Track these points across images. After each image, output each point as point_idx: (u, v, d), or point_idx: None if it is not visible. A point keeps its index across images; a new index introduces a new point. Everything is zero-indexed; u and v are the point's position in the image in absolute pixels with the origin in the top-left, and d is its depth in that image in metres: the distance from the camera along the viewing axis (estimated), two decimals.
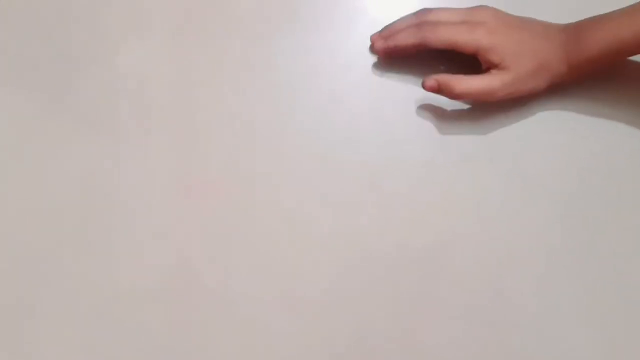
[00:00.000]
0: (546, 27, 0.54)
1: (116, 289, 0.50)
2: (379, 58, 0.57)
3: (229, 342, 0.49)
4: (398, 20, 0.56)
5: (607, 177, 0.54)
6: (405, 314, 0.49)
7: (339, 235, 0.52)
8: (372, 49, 0.56)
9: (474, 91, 0.52)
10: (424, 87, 0.53)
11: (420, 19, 0.54)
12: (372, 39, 0.56)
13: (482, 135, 0.55)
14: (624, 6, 0.51)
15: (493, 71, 0.52)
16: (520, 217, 0.52)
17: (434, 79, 0.52)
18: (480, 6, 0.54)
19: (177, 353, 0.48)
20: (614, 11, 0.51)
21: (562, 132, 0.55)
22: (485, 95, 0.52)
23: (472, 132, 0.55)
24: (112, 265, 0.51)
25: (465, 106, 0.55)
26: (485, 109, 0.55)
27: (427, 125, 0.55)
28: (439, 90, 0.53)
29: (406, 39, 0.54)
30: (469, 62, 0.54)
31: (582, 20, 0.53)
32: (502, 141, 0.55)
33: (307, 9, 0.59)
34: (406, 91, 0.56)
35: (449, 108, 0.55)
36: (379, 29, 0.57)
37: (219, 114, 0.55)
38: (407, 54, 0.55)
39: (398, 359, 0.48)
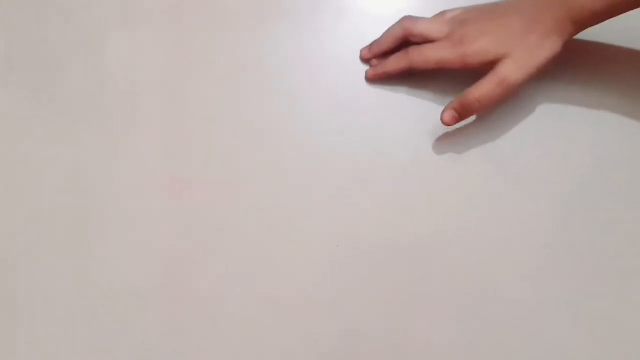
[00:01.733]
0: (533, 3, 0.51)
1: (104, 290, 0.50)
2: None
3: (219, 342, 0.48)
4: (384, 35, 0.56)
5: (602, 173, 0.53)
6: (396, 312, 0.49)
7: (329, 235, 0.51)
8: (366, 76, 0.56)
9: (489, 93, 0.51)
10: (444, 122, 0.52)
11: (406, 31, 0.54)
12: (362, 56, 0.57)
13: (474, 132, 0.54)
14: None
15: (495, 66, 0.50)
16: (513, 214, 0.52)
17: (450, 109, 0.52)
18: (463, 9, 0.54)
19: (166, 354, 0.48)
20: None
21: (555, 128, 0.54)
22: (504, 90, 0.51)
23: (464, 128, 0.54)
24: (100, 265, 0.50)
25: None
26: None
27: (419, 122, 0.55)
28: (460, 117, 0.52)
29: (395, 66, 0.55)
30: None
31: None
32: (494, 138, 0.54)
33: (297, 2, 0.58)
34: (397, 86, 0.56)
35: (439, 104, 0.54)
36: (369, 23, 0.57)
37: (208, 110, 0.55)
38: (397, 76, 0.55)
39: (388, 357, 0.48)
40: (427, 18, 0.55)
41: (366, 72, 0.56)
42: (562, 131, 0.54)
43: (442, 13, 0.55)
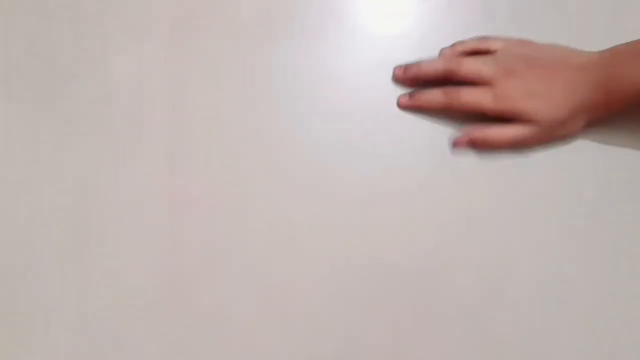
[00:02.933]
0: (579, 64, 0.51)
1: (105, 301, 0.50)
2: (375, 69, 0.56)
3: (219, 356, 0.49)
4: (426, 65, 0.55)
5: (607, 189, 0.53)
6: (399, 332, 0.49)
7: (330, 253, 0.51)
8: (398, 102, 0.55)
9: (506, 142, 0.52)
10: (455, 146, 0.53)
11: (449, 73, 0.53)
12: (395, 75, 0.55)
13: (479, 154, 0.54)
14: None
15: (521, 127, 0.52)
16: (519, 236, 0.52)
17: (464, 136, 0.53)
18: (509, 47, 0.53)
19: None
20: None
21: (561, 145, 0.54)
22: (519, 145, 0.53)
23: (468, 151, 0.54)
24: (102, 276, 0.51)
25: (460, 120, 0.54)
26: (482, 121, 0.54)
27: (424, 139, 0.54)
28: (472, 145, 0.53)
29: (430, 103, 0.54)
30: None
31: (617, 49, 0.50)
32: (500, 159, 0.54)
33: (305, 17, 0.58)
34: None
35: (444, 122, 0.54)
36: (375, 42, 0.57)
37: (213, 126, 0.55)
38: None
39: None
40: (472, 55, 0.54)
41: (399, 97, 0.55)
42: (568, 152, 0.54)
43: (485, 40, 0.55)
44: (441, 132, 0.54)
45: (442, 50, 0.56)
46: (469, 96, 0.52)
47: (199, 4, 0.58)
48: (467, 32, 0.56)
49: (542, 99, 0.51)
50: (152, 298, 0.50)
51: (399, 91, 0.55)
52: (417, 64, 0.55)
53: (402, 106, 0.55)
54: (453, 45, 0.56)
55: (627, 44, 0.50)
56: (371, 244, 0.52)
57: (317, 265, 0.51)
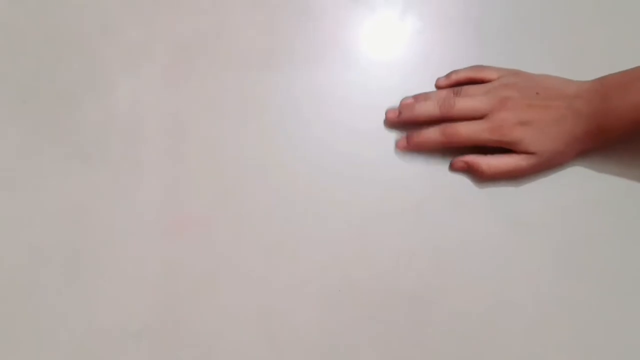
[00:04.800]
0: (571, 95, 0.51)
1: (98, 327, 0.50)
2: (374, 96, 0.57)
3: None
4: (418, 109, 0.54)
5: (604, 221, 0.53)
6: (389, 351, 0.49)
7: (326, 279, 0.51)
8: (396, 145, 0.55)
9: (502, 172, 0.53)
10: (452, 168, 0.54)
11: (444, 115, 0.53)
12: (388, 119, 0.55)
13: (473, 178, 0.54)
14: None
15: (521, 156, 0.52)
16: (516, 262, 0.52)
17: (462, 160, 0.53)
18: (502, 77, 0.54)
19: None
20: (637, 68, 0.49)
21: (557, 175, 0.54)
22: (514, 175, 0.53)
23: (464, 174, 0.54)
24: (99, 303, 0.51)
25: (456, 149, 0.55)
26: (477, 149, 0.54)
27: (418, 167, 0.55)
28: (467, 171, 0.54)
29: (429, 143, 0.54)
30: None
31: (606, 80, 0.51)
32: (494, 184, 0.54)
33: (301, 45, 0.58)
34: (402, 132, 0.56)
35: (439, 151, 0.55)
36: (375, 70, 0.57)
37: (213, 153, 0.55)
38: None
39: None
40: (467, 94, 0.54)
41: (397, 142, 0.55)
42: (561, 178, 0.54)
43: (480, 69, 0.55)
44: (439, 155, 0.54)
45: (437, 80, 0.56)
46: (467, 131, 0.52)
47: (200, 31, 0.59)
48: (461, 61, 0.56)
49: (536, 130, 0.51)
50: (146, 323, 0.50)
51: None
52: (410, 108, 0.54)
53: (400, 149, 0.55)
54: (448, 75, 0.56)
55: (616, 74, 0.51)
56: (366, 268, 0.52)
57: (312, 292, 0.51)
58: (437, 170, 0.54)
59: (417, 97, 0.56)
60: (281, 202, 0.53)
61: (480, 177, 0.53)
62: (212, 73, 0.57)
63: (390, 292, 0.51)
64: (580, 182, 0.54)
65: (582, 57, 0.57)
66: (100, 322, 0.50)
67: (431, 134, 0.53)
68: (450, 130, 0.53)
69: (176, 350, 0.50)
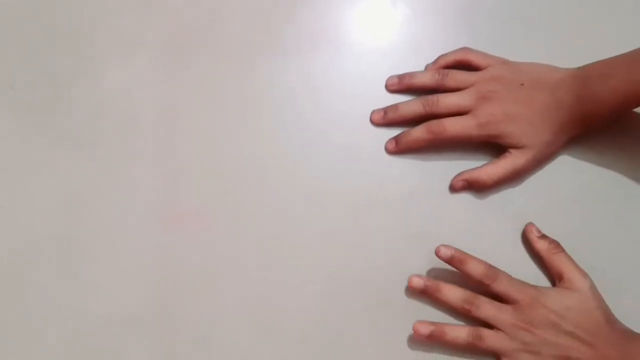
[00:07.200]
0: (555, 84, 0.52)
1: (93, 315, 0.50)
2: (365, 83, 0.57)
3: None
4: (403, 107, 0.55)
5: (601, 216, 0.53)
6: (387, 341, 0.50)
7: (322, 271, 0.51)
8: (385, 148, 0.55)
9: (503, 176, 0.52)
10: (452, 189, 0.53)
11: (429, 112, 0.53)
12: (373, 120, 0.55)
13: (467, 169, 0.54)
14: None
15: (512, 151, 0.52)
16: (505, 251, 0.52)
17: (461, 180, 0.53)
18: (485, 75, 0.54)
19: None
20: (618, 56, 0.50)
21: (553, 170, 0.54)
22: (515, 176, 0.53)
23: (459, 167, 0.54)
24: (93, 292, 0.51)
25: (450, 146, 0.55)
26: (472, 145, 0.54)
27: (412, 159, 0.55)
28: (469, 187, 0.53)
29: (418, 142, 0.54)
30: None
31: (588, 68, 0.51)
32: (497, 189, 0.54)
33: (293, 35, 0.58)
34: (399, 128, 0.55)
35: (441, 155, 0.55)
36: (368, 57, 0.57)
37: (205, 142, 0.55)
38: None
39: None
40: (454, 78, 0.54)
41: (386, 144, 0.55)
42: (565, 173, 0.54)
43: (467, 52, 0.55)
44: (431, 151, 0.54)
45: (426, 66, 0.57)
46: (454, 126, 0.52)
47: (192, 20, 0.58)
48: (452, 48, 0.56)
49: (524, 122, 0.51)
50: (140, 313, 0.50)
51: (387, 103, 0.55)
52: (395, 107, 0.55)
53: (390, 152, 0.55)
54: (436, 60, 0.56)
55: (596, 63, 0.51)
56: (361, 258, 0.52)
57: (309, 282, 0.51)
58: (430, 158, 0.54)
59: (402, 77, 0.56)
60: (275, 191, 0.53)
61: (483, 188, 0.53)
62: (205, 61, 0.57)
63: (386, 283, 0.51)
64: (569, 173, 0.54)
65: (571, 45, 0.57)
66: (94, 311, 0.50)
67: (419, 133, 0.53)
68: (438, 127, 0.53)
69: (171, 339, 0.50)
